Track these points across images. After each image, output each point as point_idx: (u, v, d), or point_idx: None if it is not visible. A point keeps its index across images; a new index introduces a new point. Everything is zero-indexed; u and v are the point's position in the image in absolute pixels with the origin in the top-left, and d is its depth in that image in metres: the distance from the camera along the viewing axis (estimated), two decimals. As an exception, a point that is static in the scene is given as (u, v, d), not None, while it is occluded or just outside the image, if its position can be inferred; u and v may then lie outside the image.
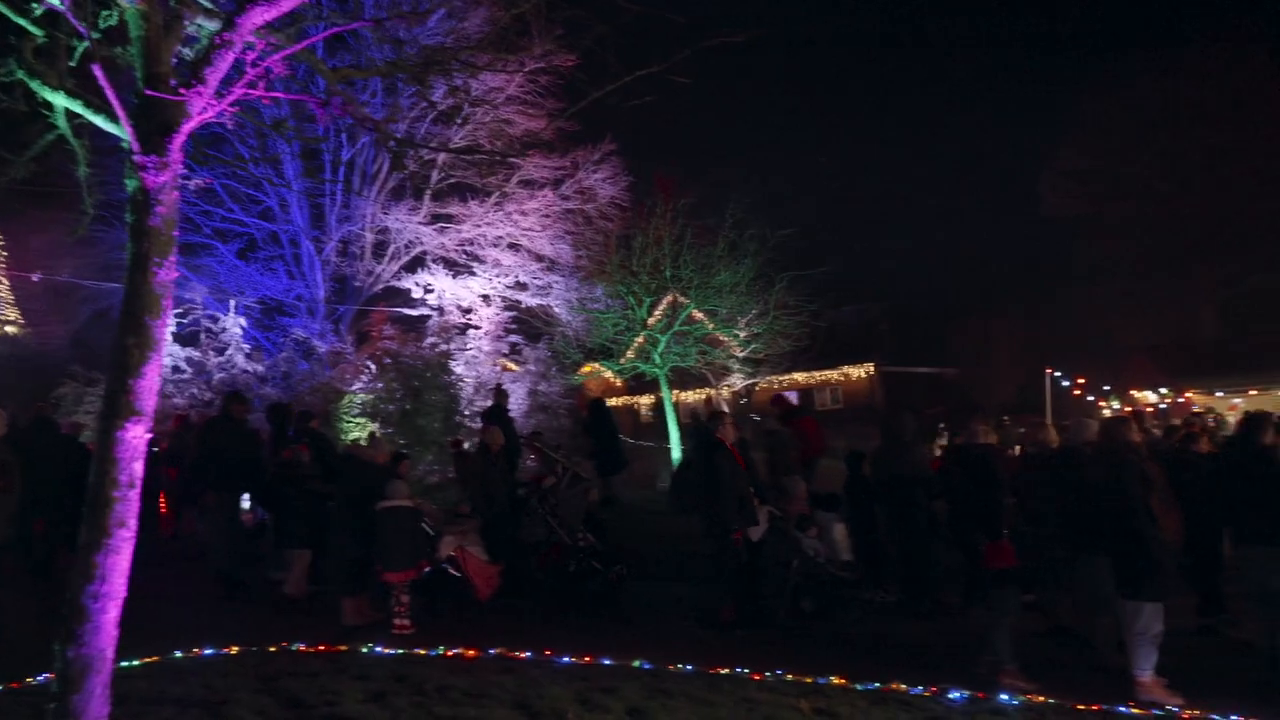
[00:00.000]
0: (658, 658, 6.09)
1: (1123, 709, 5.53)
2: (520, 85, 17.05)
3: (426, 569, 7.90)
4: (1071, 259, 32.13)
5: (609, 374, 20.63)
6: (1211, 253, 28.37)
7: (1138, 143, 29.01)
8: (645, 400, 31.80)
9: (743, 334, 18.15)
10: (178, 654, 6.11)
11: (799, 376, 30.69)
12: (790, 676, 6.07)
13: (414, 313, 18.27)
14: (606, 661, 6.16)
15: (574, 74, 12.94)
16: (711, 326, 18.78)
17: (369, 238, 18.48)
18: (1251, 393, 17.58)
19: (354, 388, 15.65)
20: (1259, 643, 6.49)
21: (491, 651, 6.35)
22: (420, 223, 18.04)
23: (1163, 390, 19.53)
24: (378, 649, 6.46)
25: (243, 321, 16.63)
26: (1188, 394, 18.59)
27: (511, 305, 18.52)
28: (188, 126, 3.78)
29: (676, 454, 16.48)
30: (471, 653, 6.34)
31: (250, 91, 3.98)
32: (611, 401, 29.48)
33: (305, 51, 4.26)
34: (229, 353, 16.27)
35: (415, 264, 18.41)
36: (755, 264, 17.24)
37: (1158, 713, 5.48)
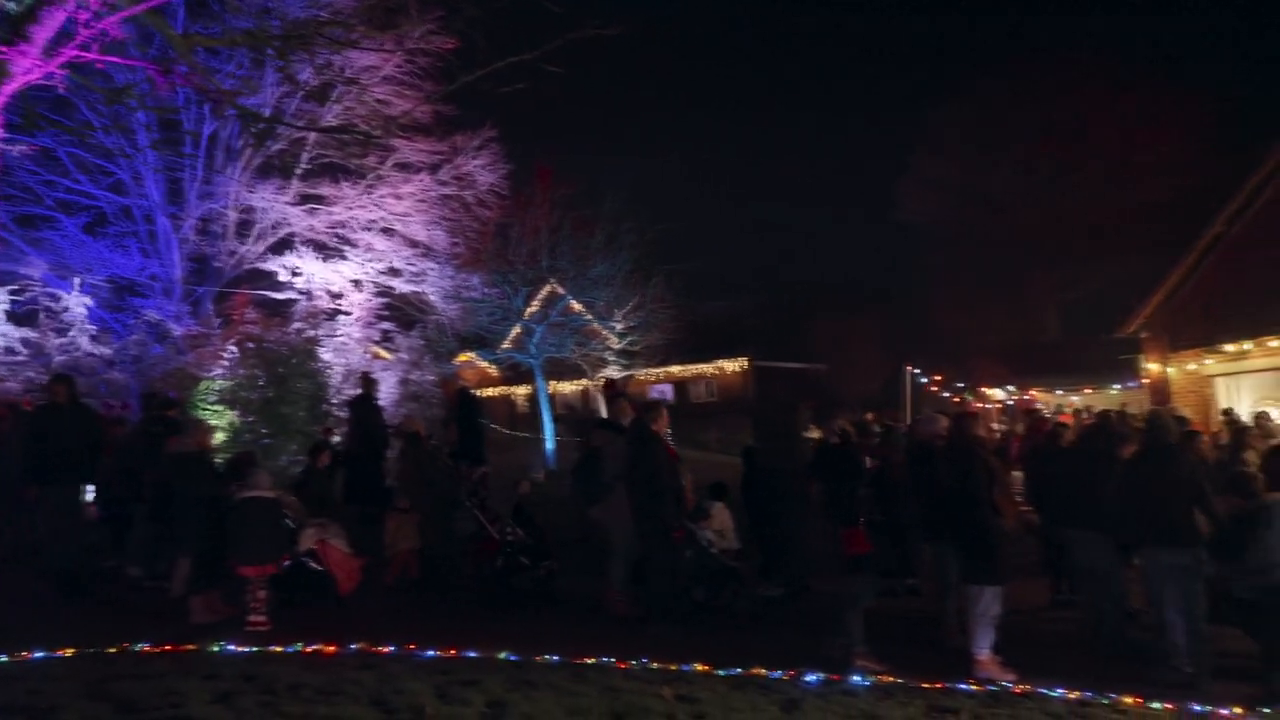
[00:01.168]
0: (538, 649, 6.07)
1: (962, 686, 5.88)
2: (398, 66, 16.54)
3: (286, 563, 7.61)
4: (929, 262, 33.82)
5: (484, 364, 20.40)
6: (1054, 260, 30.47)
7: (989, 155, 30.81)
8: (522, 391, 31.55)
9: (619, 326, 18.29)
10: (2, 658, 5.67)
11: (674, 369, 31.15)
12: (656, 665, 6.17)
13: (280, 296, 17.50)
14: (471, 654, 6.10)
15: (453, 57, 12.69)
16: (590, 318, 18.83)
17: (232, 216, 17.55)
18: (1086, 391, 18.98)
19: (213, 374, 14.87)
20: (1088, 618, 7.06)
21: (352, 647, 6.18)
22: (288, 203, 17.26)
23: (1010, 388, 20.83)
24: (229, 647, 6.17)
25: (88, 301, 15.46)
26: (1031, 392, 19.91)
27: (384, 291, 18.01)
28: (9, 88, 3.48)
29: (550, 445, 16.45)
30: (330, 649, 6.15)
31: (84, 54, 3.69)
32: (487, 392, 29.19)
33: (152, 15, 3.99)
34: (72, 334, 15.13)
35: (282, 246, 17.62)
36: (632, 257, 17.39)
37: (993, 688, 5.85)
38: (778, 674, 6.03)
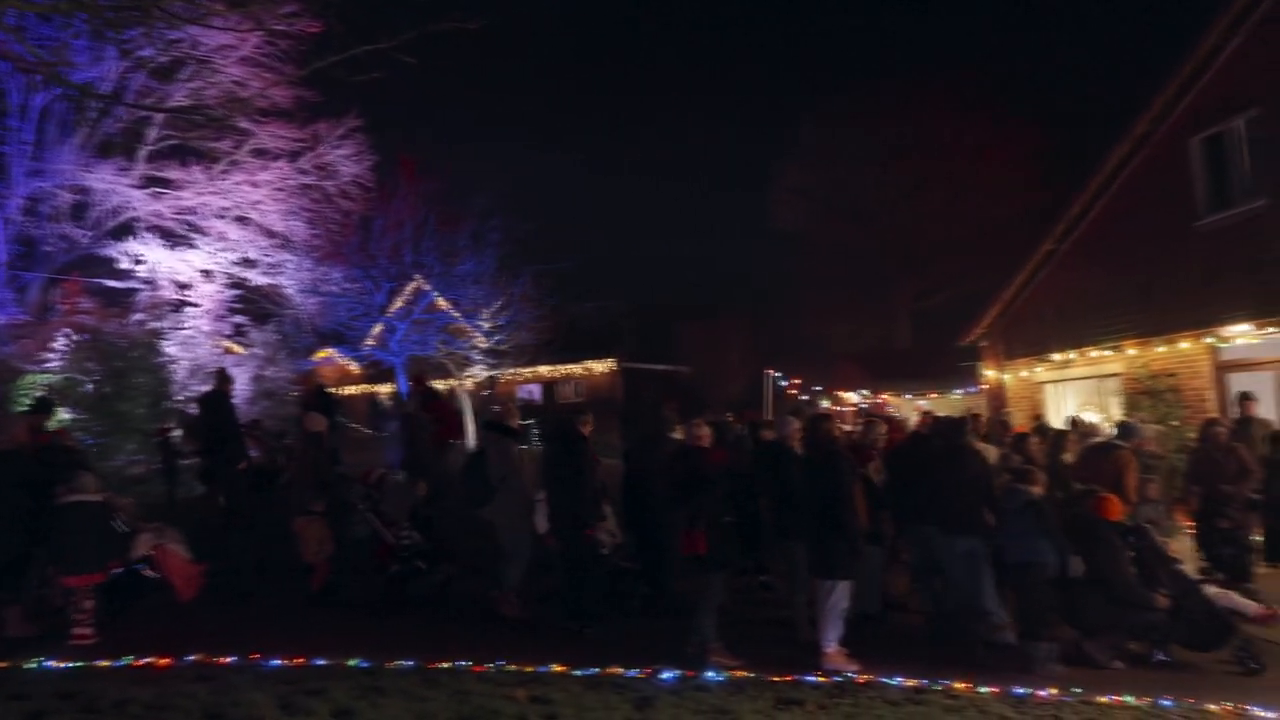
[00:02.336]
0: (431, 656, 5.92)
1: (810, 678, 6.11)
2: (256, 47, 15.74)
3: (116, 570, 7.10)
4: (794, 269, 34.98)
5: (344, 361, 19.72)
6: (908, 271, 32.13)
7: (850, 167, 32.17)
8: (385, 389, 30.66)
9: (487, 325, 18.06)
10: None
11: (542, 369, 30.98)
12: (512, 666, 6.13)
13: (120, 285, 16.36)
14: (320, 662, 5.89)
15: (317, 42, 12.20)
16: (456, 315, 18.50)
17: (65, 197, 16.25)
18: (932, 395, 20.12)
19: (42, 366, 13.76)
20: (927, 610, 7.48)
21: (188, 659, 5.84)
22: (131, 185, 16.12)
23: (864, 392, 21.83)
24: (48, 663, 5.72)
25: (-111, 284, 14.05)
26: (883, 396, 20.94)
27: (237, 283, 17.13)
28: None
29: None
30: (164, 661, 5.79)
31: None
32: (348, 390, 28.19)
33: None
34: (-128, 321, 13.70)
35: (124, 231, 16.45)
36: (500, 254, 17.22)
37: (838, 679, 6.10)
38: (634, 672, 6.11)
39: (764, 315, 34.87)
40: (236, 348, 17.49)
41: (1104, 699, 5.58)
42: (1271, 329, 11.00)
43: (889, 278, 32.57)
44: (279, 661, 5.85)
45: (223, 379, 11.78)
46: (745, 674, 6.17)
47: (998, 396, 17.36)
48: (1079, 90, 28.30)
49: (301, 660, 5.88)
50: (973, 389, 18.73)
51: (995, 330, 17.54)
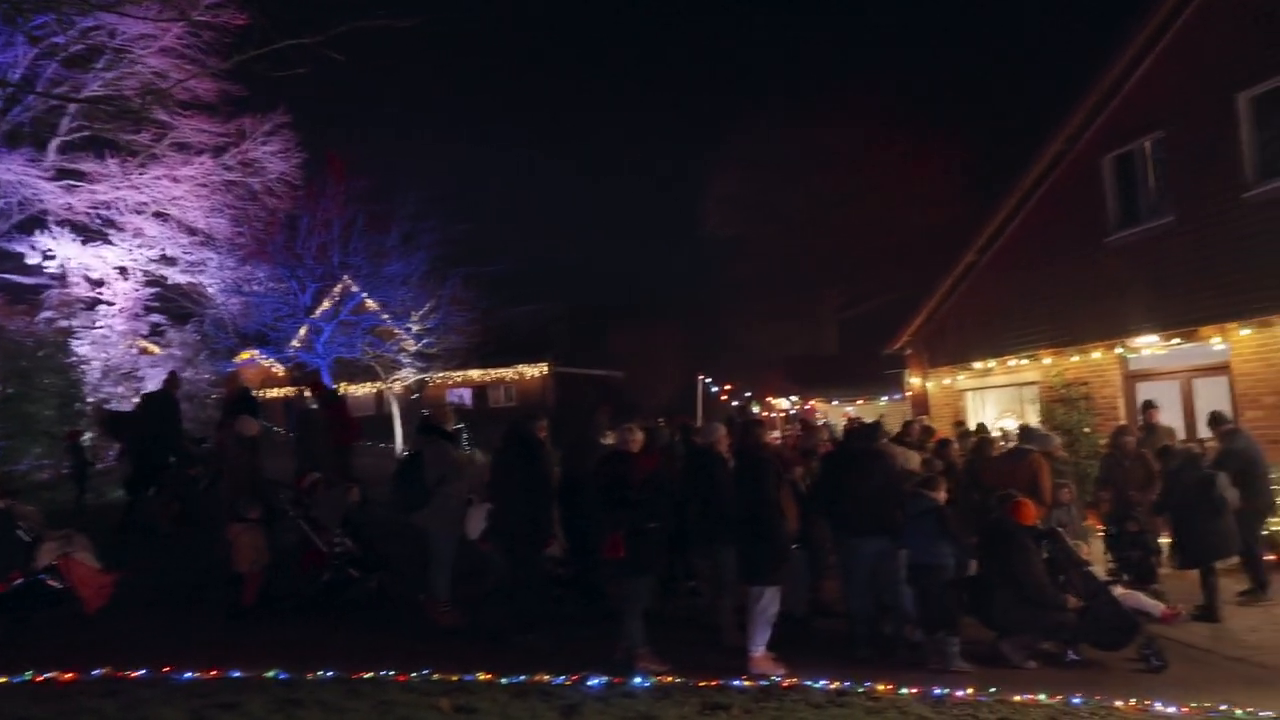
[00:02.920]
0: (361, 666, 5.78)
1: (736, 683, 6.15)
2: (179, 38, 15.25)
3: (17, 581, 6.78)
4: (724, 276, 35.36)
5: (268, 362, 19.20)
6: (836, 279, 32.75)
7: (781, 177, 32.67)
8: (310, 393, 29.94)
9: (416, 327, 17.78)
10: None
11: (473, 373, 30.70)
12: (438, 675, 6.04)
13: (28, 281, 15.67)
14: (236, 674, 5.70)
15: (243, 35, 11.89)
16: (385, 318, 18.18)
17: (-33, 188, 15.51)
18: (859, 401, 20.55)
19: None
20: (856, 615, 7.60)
21: (95, 673, 5.60)
22: (42, 177, 15.44)
23: (793, 398, 22.17)
24: (-60, 679, 5.42)
25: None
26: (812, 401, 21.29)
27: (155, 281, 16.55)
28: None
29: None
30: (68, 676, 5.54)
31: None
32: (272, 393, 27.45)
33: None
34: None
35: (33, 225, 15.76)
36: (430, 256, 16.98)
37: (764, 683, 6.16)
38: (561, 679, 6.07)
39: (697, 321, 35.17)
40: (153, 348, 16.90)
41: (1018, 698, 5.75)
42: (1176, 340, 11.52)
43: (818, 285, 33.15)
44: (192, 674, 5.65)
45: (172, 381, 11.45)
46: (672, 679, 6.18)
47: (921, 403, 17.81)
48: (1003, 105, 29.20)
49: (217, 673, 5.69)
50: (898, 396, 19.17)
51: (919, 339, 18.00)
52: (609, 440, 8.53)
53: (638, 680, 6.13)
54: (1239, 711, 5.35)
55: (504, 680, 5.95)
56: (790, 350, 30.82)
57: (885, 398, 19.88)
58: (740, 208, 33.62)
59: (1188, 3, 11.12)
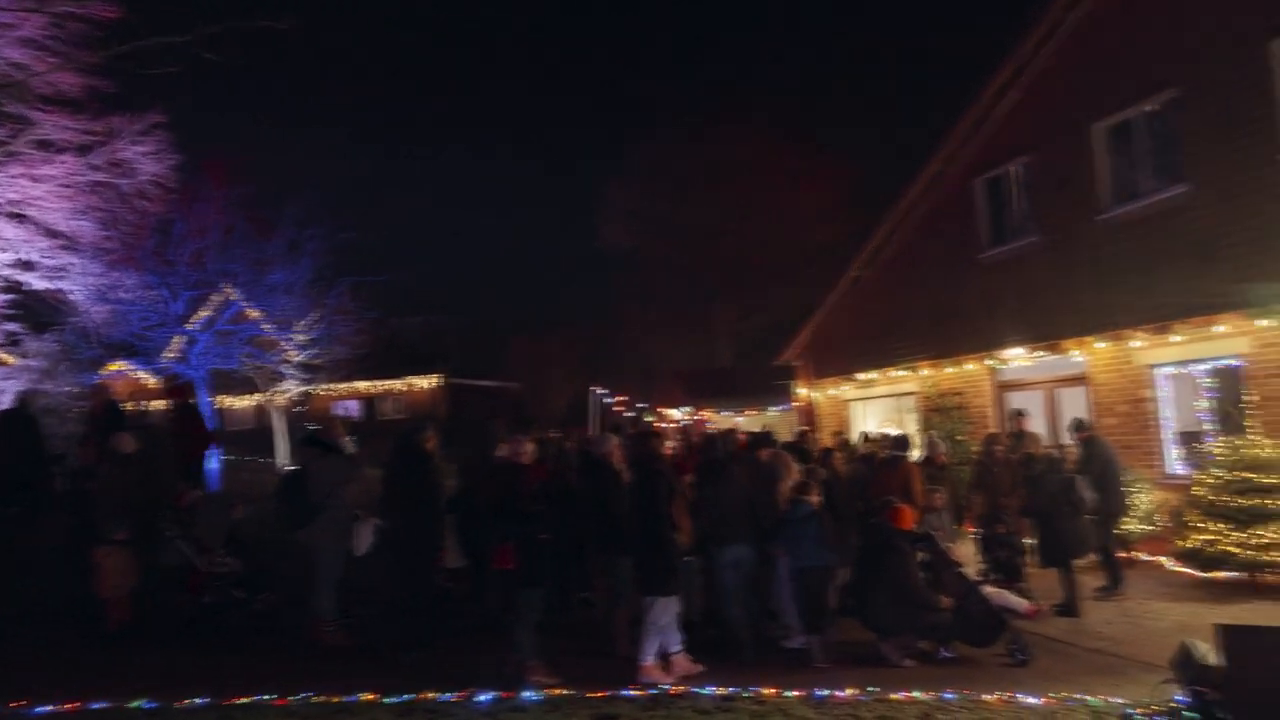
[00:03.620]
0: (236, 692, 5.50)
1: (627, 692, 6.18)
2: (41, 28, 14.28)
3: None
4: (621, 288, 35.56)
5: (139, 374, 18.17)
6: (731, 292, 33.37)
7: (678, 190, 33.12)
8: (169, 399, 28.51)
9: (300, 338, 17.17)
10: None
11: (361, 385, 29.89)
12: (318, 698, 5.85)
13: None
14: (99, 705, 5.38)
15: (114, 29, 11.30)
16: (267, 328, 17.50)
17: None
18: (750, 412, 20.94)
19: None
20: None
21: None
22: (-126, 172, 14.24)
23: (686, 409, 22.41)
24: None
25: None
26: (703, 412, 21.58)
27: (11, 287, 15.43)
28: None
29: (214, 463, 15.02)
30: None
31: None
32: (143, 405, 25.98)
33: None
34: None
35: None
36: (316, 264, 16.43)
37: (653, 692, 6.21)
38: (448, 696, 5.97)
39: (592, 332, 35.20)
40: (8, 359, 15.76)
41: (896, 696, 5.97)
42: (1041, 352, 12.24)
43: (712, 298, 33.69)
44: (48, 708, 5.30)
45: (26, 401, 10.78)
46: (563, 691, 6.17)
47: (808, 413, 18.33)
48: (888, 127, 30.51)
49: (76, 705, 5.35)
50: (786, 406, 19.65)
51: (807, 351, 18.55)
52: (503, 452, 8.44)
53: (527, 694, 6.09)
54: (1094, 699, 5.70)
55: (388, 700, 5.82)
56: (685, 362, 31.22)
57: (775, 408, 20.33)
58: (637, 220, 33.89)
59: (1048, 39, 11.89)
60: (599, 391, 20.84)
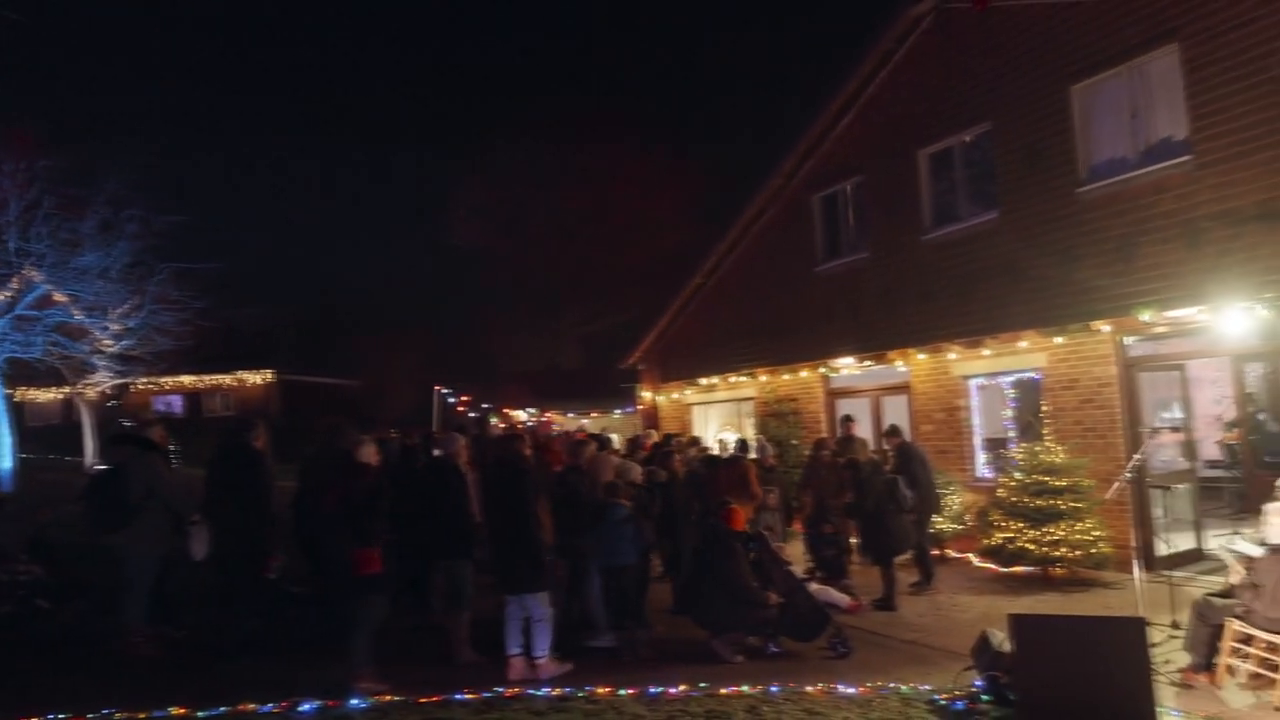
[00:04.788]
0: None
1: (459, 696, 6.08)
2: None
3: None
4: (468, 287, 35.06)
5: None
6: (579, 295, 33.51)
7: (529, 191, 32.97)
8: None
9: (115, 326, 15.87)
10: None
11: (186, 379, 28.08)
12: (122, 714, 5.46)
13: None
14: None
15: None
16: (77, 315, 16.08)
17: None
18: (594, 415, 21.14)
19: None
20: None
21: None
22: None
23: (532, 410, 22.35)
24: None
25: None
26: (549, 414, 21.60)
27: None
28: None
29: (7, 462, 13.66)
30: None
31: None
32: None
33: None
34: None
35: None
36: (134, 248, 15.22)
37: (487, 694, 6.14)
38: (269, 707, 5.70)
39: (437, 331, 34.47)
40: None
41: (724, 690, 6.17)
42: (869, 362, 12.98)
43: (561, 300, 33.71)
44: None
45: None
46: (392, 698, 6.01)
47: (652, 417, 18.66)
48: (735, 139, 31.50)
49: None
50: (631, 409, 19.94)
51: (652, 355, 18.88)
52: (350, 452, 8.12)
53: (354, 702, 5.90)
54: (905, 687, 6.10)
55: (201, 713, 5.50)
56: (532, 363, 31.08)
57: (619, 411, 20.59)
58: (486, 219, 33.46)
59: (881, 68, 12.63)
60: (443, 391, 20.43)
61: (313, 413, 18.90)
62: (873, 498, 8.87)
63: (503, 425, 20.39)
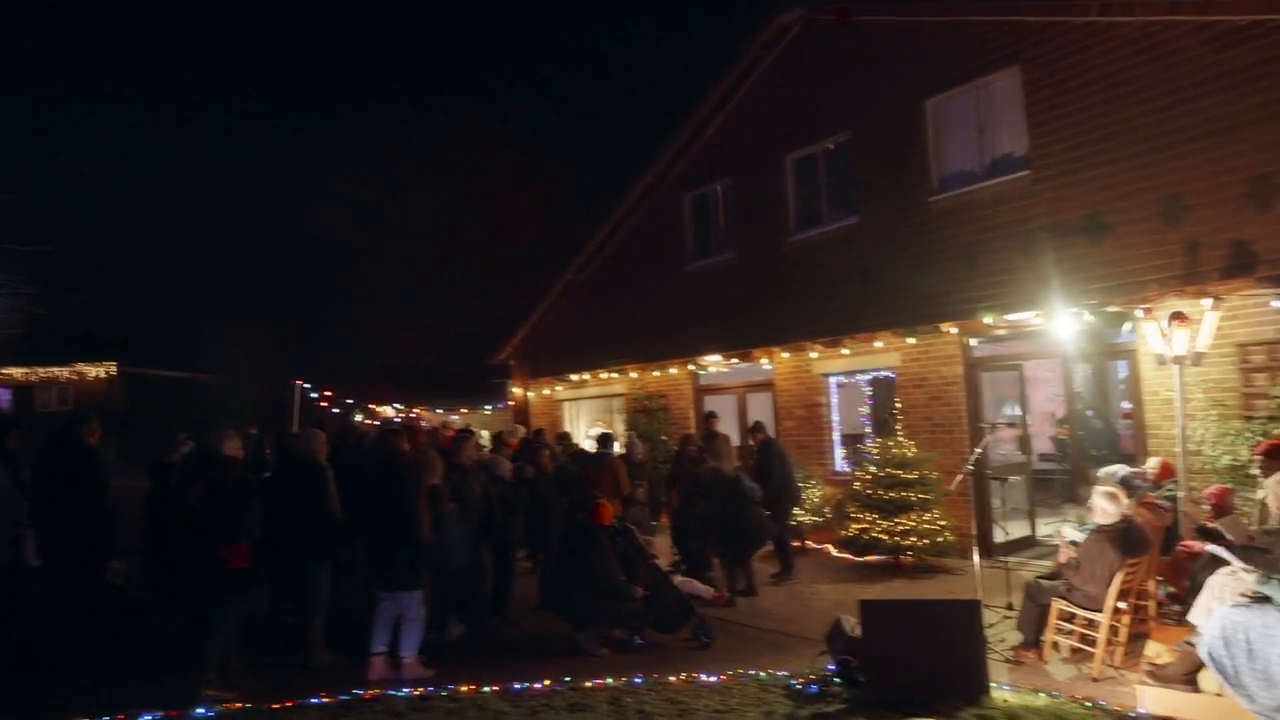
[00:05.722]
0: None
1: (314, 700, 5.89)
2: None
3: None
4: (331, 279, 33.86)
5: None
6: (447, 290, 32.96)
7: (398, 183, 32.21)
8: None
9: (-71, 313, 14.49)
10: None
11: (15, 371, 25.94)
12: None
13: None
14: None
15: None
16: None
17: None
18: (463, 410, 20.82)
19: None
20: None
21: None
22: None
23: (398, 405, 21.80)
24: None
25: None
26: (416, 409, 21.12)
27: None
28: None
29: None
30: None
31: None
32: None
33: None
34: None
35: None
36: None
37: (344, 697, 5.96)
38: (104, 718, 5.36)
39: (297, 323, 33.09)
40: None
41: (589, 683, 6.21)
42: (735, 359, 13.31)
43: (432, 294, 33.05)
44: None
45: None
46: (241, 705, 5.75)
47: (522, 412, 18.53)
48: (611, 136, 31.64)
49: None
50: (501, 405, 19.75)
51: (522, 351, 18.75)
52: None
53: (199, 711, 5.62)
54: (763, 674, 6.30)
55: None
56: (398, 358, 30.28)
57: (489, 407, 20.35)
58: (351, 208, 32.44)
59: (750, 73, 12.96)
60: (303, 386, 19.63)
61: (161, 409, 17.81)
62: (717, 501, 9.04)
63: (369, 421, 19.82)
